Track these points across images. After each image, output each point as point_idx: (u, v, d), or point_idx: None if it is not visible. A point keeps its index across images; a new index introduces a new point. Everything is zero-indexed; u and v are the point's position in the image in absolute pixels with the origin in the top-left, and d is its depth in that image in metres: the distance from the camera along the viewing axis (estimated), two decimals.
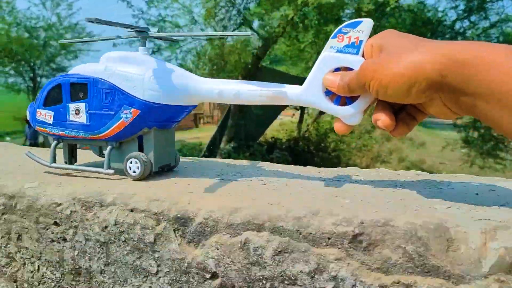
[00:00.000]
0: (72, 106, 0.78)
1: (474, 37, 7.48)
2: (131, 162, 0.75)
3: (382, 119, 0.53)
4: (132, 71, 0.73)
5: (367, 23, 0.57)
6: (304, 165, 0.81)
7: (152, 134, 0.76)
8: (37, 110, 0.81)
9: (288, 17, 5.74)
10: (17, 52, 17.59)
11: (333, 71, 0.59)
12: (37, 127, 0.82)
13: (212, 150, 9.37)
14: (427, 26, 7.60)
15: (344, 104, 0.59)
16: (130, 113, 0.73)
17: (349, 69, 0.58)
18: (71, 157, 0.84)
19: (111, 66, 0.75)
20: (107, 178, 0.74)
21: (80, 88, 0.77)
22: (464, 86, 0.44)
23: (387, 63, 0.48)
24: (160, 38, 0.81)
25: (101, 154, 0.89)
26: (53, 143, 0.81)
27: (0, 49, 16.89)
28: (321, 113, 9.12)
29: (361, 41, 0.57)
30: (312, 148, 10.31)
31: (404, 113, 0.55)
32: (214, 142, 9.78)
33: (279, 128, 11.72)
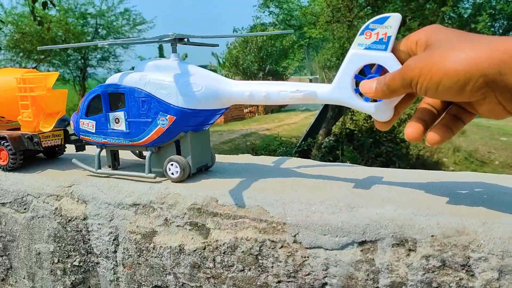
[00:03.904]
0: (112, 115, 0.84)
1: None
2: (171, 165, 0.82)
3: (408, 131, 0.56)
4: (166, 79, 0.78)
5: (395, 18, 0.57)
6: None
7: (189, 137, 0.82)
8: (80, 120, 0.89)
9: None
10: (65, 40, 18.50)
11: (362, 69, 0.62)
12: (81, 136, 0.91)
13: (307, 145, 9.56)
14: None
15: (374, 100, 0.62)
16: (166, 119, 0.78)
17: (378, 66, 0.60)
18: (114, 161, 0.93)
19: (145, 75, 0.80)
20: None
21: (118, 98, 0.83)
22: None
23: (439, 59, 0.48)
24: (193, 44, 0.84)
25: (141, 156, 0.99)
26: (97, 151, 0.90)
27: (52, 37, 17.82)
28: None
29: (389, 37, 0.57)
30: (384, 140, 10.36)
31: (447, 116, 0.56)
32: (311, 136, 9.95)
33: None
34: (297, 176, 0.88)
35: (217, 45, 0.90)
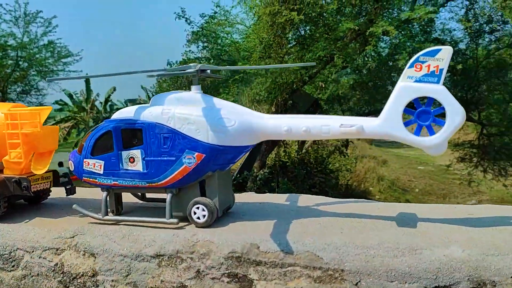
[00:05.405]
0: (125, 154, 0.79)
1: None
2: (197, 208, 0.75)
3: None
4: (193, 113, 0.77)
5: (446, 51, 0.64)
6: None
7: (216, 177, 0.78)
8: (84, 160, 0.82)
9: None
10: None
11: (412, 101, 0.73)
12: (84, 178, 0.91)
13: (243, 178, 9.49)
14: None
15: (425, 134, 0.76)
16: (194, 157, 0.77)
17: (429, 98, 0.72)
18: (118, 205, 0.93)
19: (168, 109, 0.78)
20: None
21: (134, 134, 0.91)
22: None
23: None
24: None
25: (143, 199, 0.99)
26: (104, 194, 0.91)
27: None
28: None
29: (441, 70, 0.64)
30: (315, 171, 10.57)
31: None
32: (246, 168, 9.93)
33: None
34: (329, 216, 0.82)
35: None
